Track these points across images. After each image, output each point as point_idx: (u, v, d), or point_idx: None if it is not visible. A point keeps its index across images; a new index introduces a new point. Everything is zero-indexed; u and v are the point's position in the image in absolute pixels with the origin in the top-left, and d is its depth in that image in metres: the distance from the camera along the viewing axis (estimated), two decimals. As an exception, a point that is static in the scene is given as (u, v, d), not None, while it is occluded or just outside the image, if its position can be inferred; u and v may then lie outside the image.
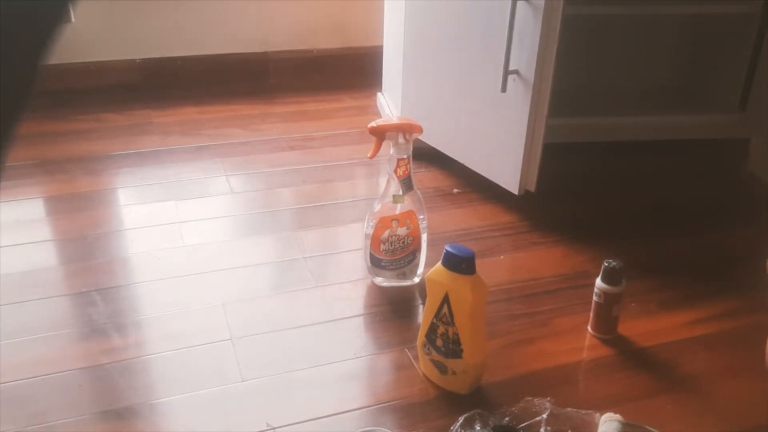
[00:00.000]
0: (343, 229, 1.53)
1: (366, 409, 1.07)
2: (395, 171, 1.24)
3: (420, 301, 1.31)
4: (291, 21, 2.19)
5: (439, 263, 1.05)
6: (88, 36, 2.02)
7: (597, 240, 1.50)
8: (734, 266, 1.46)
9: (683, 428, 1.05)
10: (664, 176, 1.81)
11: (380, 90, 2.07)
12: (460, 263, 1.03)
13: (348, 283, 1.35)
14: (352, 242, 1.46)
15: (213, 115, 2.02)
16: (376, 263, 1.32)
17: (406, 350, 1.18)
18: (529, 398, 1.06)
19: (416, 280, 1.34)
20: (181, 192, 1.63)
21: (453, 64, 1.60)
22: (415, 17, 1.67)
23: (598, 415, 1.04)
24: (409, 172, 1.25)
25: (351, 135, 1.93)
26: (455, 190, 1.68)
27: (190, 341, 1.18)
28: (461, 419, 1.02)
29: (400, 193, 1.26)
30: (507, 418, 1.03)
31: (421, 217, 1.30)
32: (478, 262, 1.03)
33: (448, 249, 1.03)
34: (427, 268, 1.25)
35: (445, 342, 1.07)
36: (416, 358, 1.15)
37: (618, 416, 1.03)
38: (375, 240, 1.29)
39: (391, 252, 1.30)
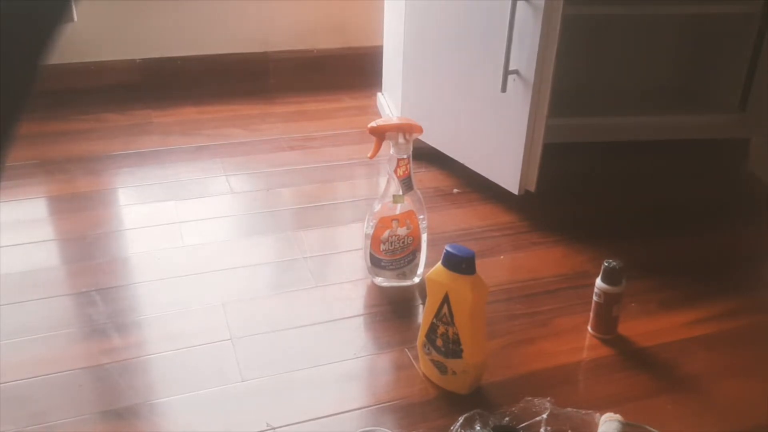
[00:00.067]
0: (343, 229, 1.53)
1: (366, 409, 1.07)
2: (395, 171, 1.24)
3: (420, 301, 1.31)
4: (291, 21, 2.19)
5: (439, 263, 1.05)
6: (88, 36, 2.02)
7: (597, 240, 1.50)
8: (734, 266, 1.46)
9: (683, 428, 1.05)
10: (664, 176, 1.81)
11: (380, 90, 2.07)
12: (460, 263, 1.03)
13: (348, 283, 1.35)
14: (352, 242, 1.46)
15: (213, 115, 2.02)
16: (376, 263, 1.32)
17: (406, 350, 1.18)
18: (529, 398, 1.06)
19: (416, 280, 1.34)
20: (181, 192, 1.63)
21: (453, 64, 1.60)
22: (415, 17, 1.67)
23: (598, 415, 1.04)
24: (409, 172, 1.25)
25: (351, 135, 1.93)
26: (455, 190, 1.68)
27: (190, 341, 1.18)
28: (461, 419, 1.02)
29: (400, 193, 1.26)
30: (507, 418, 1.03)
31: (421, 217, 1.30)
32: (478, 262, 1.03)
33: (448, 249, 1.03)
34: (427, 268, 1.25)
35: (445, 342, 1.07)
36: (416, 358, 1.15)
37: (618, 416, 1.03)
38: (375, 240, 1.29)
39: (391, 252, 1.30)
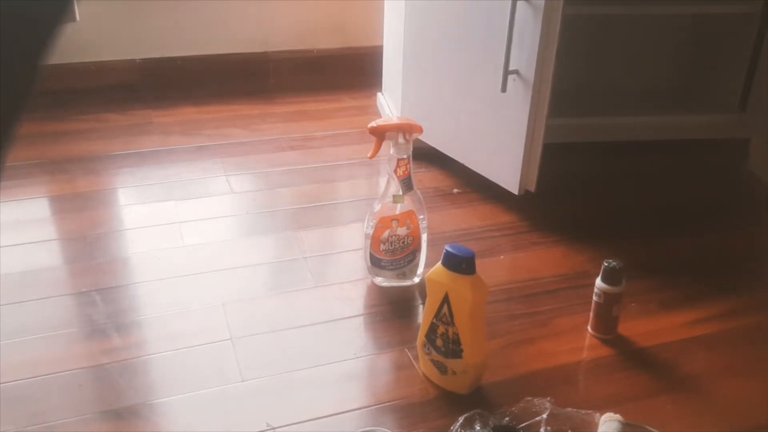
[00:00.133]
0: (343, 229, 1.53)
1: (366, 409, 1.07)
2: (395, 171, 1.24)
3: (420, 301, 1.31)
4: (291, 21, 2.19)
5: (439, 263, 1.05)
6: (88, 36, 2.02)
7: (597, 240, 1.50)
8: (734, 266, 1.46)
9: (683, 428, 1.05)
10: (664, 176, 1.81)
11: (380, 90, 2.07)
12: (460, 263, 1.03)
13: (348, 283, 1.35)
14: (352, 242, 1.46)
15: (213, 115, 2.02)
16: (376, 263, 1.32)
17: (406, 350, 1.18)
18: (529, 398, 1.06)
19: (416, 280, 1.34)
20: (181, 192, 1.63)
21: (453, 64, 1.60)
22: (415, 17, 1.67)
23: (598, 415, 1.04)
24: (409, 172, 1.25)
25: (351, 135, 1.93)
26: (455, 190, 1.68)
27: (190, 341, 1.18)
28: (461, 419, 1.02)
29: (400, 193, 1.26)
30: (507, 418, 1.03)
31: (421, 217, 1.30)
32: (478, 262, 1.03)
33: (448, 249, 1.03)
34: (427, 268, 1.25)
35: (445, 342, 1.07)
36: (416, 358, 1.15)
37: (618, 416, 1.03)
38: (375, 240, 1.29)
39: (391, 252, 1.30)
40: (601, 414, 1.04)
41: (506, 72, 1.43)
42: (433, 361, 1.10)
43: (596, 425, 1.03)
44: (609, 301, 1.20)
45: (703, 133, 1.86)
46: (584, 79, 1.96)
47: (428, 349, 1.10)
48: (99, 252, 1.41)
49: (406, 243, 1.30)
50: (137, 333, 1.20)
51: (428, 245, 1.33)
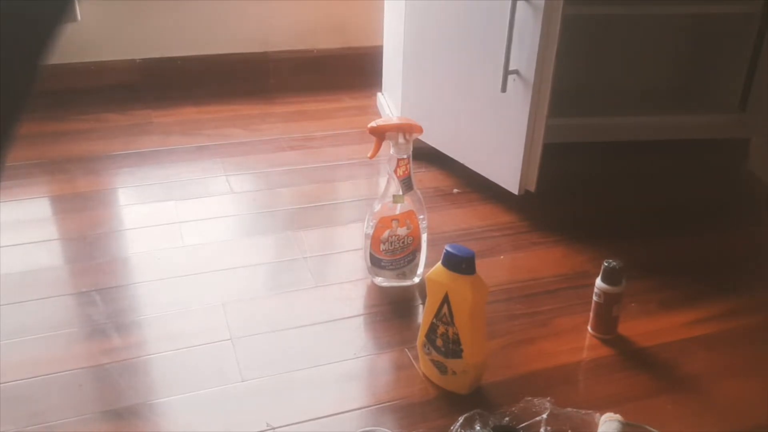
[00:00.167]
0: (343, 229, 1.53)
1: (366, 409, 1.07)
2: (395, 171, 1.24)
3: (420, 301, 1.31)
4: (291, 21, 2.19)
5: (439, 263, 1.05)
6: (88, 36, 2.02)
7: (597, 240, 1.50)
8: (734, 266, 1.46)
9: (683, 428, 1.05)
10: (665, 176, 1.81)
11: (380, 90, 2.07)
12: (460, 263, 1.03)
13: (348, 283, 1.35)
14: (352, 242, 1.46)
15: (213, 115, 2.02)
16: (376, 263, 1.32)
17: (406, 350, 1.18)
18: (529, 398, 1.06)
19: (416, 280, 1.34)
20: (181, 192, 1.63)
21: (453, 64, 1.60)
22: (415, 17, 1.67)
23: (598, 415, 1.04)
24: (409, 172, 1.25)
25: (351, 135, 1.93)
26: (455, 190, 1.68)
27: (190, 341, 1.18)
28: (461, 419, 1.02)
29: (400, 193, 1.26)
30: (507, 418, 1.03)
31: (421, 217, 1.30)
32: (478, 262, 1.03)
33: (448, 249, 1.03)
34: (427, 268, 1.25)
35: (445, 342, 1.07)
36: (416, 358, 1.15)
37: (618, 416, 1.03)
38: (375, 240, 1.29)
39: (391, 252, 1.30)
40: (601, 414, 1.04)
41: (506, 72, 1.43)
42: (433, 361, 1.10)
43: (596, 425, 1.03)
44: (609, 301, 1.20)
45: (703, 133, 1.86)
46: (584, 79, 1.96)
47: (428, 349, 1.10)
48: (99, 252, 1.41)
49: (406, 243, 1.30)
50: (137, 333, 1.20)
51: (428, 245, 1.33)
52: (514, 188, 1.53)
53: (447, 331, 1.06)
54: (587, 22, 1.82)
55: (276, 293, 1.32)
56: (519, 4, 1.37)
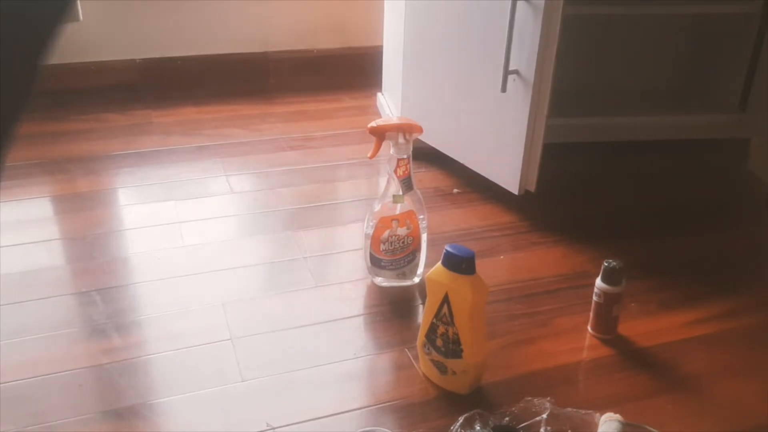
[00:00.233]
0: (343, 229, 1.53)
1: (366, 409, 1.07)
2: (395, 171, 1.24)
3: (420, 301, 1.31)
4: (291, 21, 2.19)
5: (439, 263, 1.05)
6: (88, 36, 2.02)
7: (597, 240, 1.50)
8: (734, 266, 1.46)
9: (683, 428, 1.05)
10: (665, 176, 1.81)
11: (380, 90, 2.07)
12: (460, 263, 1.03)
13: (348, 283, 1.35)
14: (352, 242, 1.46)
15: (213, 115, 2.02)
16: (376, 263, 1.32)
17: (406, 350, 1.18)
18: (529, 398, 1.06)
19: (416, 280, 1.34)
20: (181, 192, 1.63)
21: (453, 64, 1.60)
22: (415, 17, 1.67)
23: (598, 415, 1.04)
24: (409, 172, 1.25)
25: (351, 135, 1.93)
26: (455, 190, 1.68)
27: (190, 341, 1.18)
28: (461, 419, 1.02)
29: (400, 193, 1.26)
30: (507, 418, 1.03)
31: (421, 217, 1.30)
32: (478, 262, 1.03)
33: (448, 249, 1.03)
34: (427, 268, 1.25)
35: (445, 342, 1.07)
36: (416, 358, 1.15)
37: (618, 416, 1.03)
38: (375, 240, 1.29)
39: (391, 252, 1.30)
40: (601, 414, 1.04)
41: (506, 72, 1.43)
42: (433, 361, 1.10)
43: (596, 425, 1.03)
44: (609, 301, 1.20)
45: (703, 133, 1.86)
46: (584, 79, 1.96)
47: (428, 349, 1.10)
48: (99, 252, 1.41)
49: (406, 243, 1.30)
50: (137, 333, 1.20)
51: (428, 245, 1.33)
52: (514, 188, 1.53)
53: (447, 331, 1.06)
54: (587, 22, 1.82)
55: (276, 293, 1.32)
56: (519, 4, 1.37)
